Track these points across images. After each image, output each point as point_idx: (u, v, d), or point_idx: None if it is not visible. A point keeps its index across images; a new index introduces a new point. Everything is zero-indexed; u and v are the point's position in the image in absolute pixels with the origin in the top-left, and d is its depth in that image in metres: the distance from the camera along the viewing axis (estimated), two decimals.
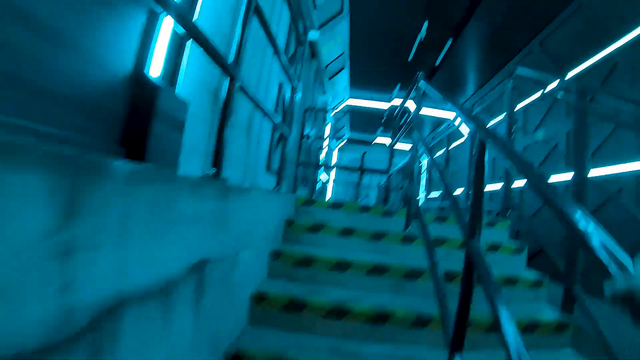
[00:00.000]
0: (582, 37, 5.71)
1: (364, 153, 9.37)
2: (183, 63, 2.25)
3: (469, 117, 1.75)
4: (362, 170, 8.91)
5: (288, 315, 1.95)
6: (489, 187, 6.88)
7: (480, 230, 1.39)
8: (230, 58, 1.63)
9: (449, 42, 7.89)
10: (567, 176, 6.51)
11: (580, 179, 2.41)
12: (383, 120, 14.04)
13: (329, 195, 13.04)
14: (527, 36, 7.12)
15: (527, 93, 8.06)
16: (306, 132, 6.61)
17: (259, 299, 1.96)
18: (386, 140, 17.56)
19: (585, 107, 2.56)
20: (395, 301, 2.12)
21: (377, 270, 2.32)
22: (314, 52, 6.45)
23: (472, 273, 1.33)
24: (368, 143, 18.73)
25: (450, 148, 8.32)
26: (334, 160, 17.55)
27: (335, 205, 3.14)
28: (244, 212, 1.72)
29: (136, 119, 1.70)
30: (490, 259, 1.28)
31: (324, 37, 6.82)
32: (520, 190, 6.56)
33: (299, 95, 5.32)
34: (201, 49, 1.33)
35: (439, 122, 13.30)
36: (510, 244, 2.84)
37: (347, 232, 2.77)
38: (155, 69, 1.86)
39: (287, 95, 3.95)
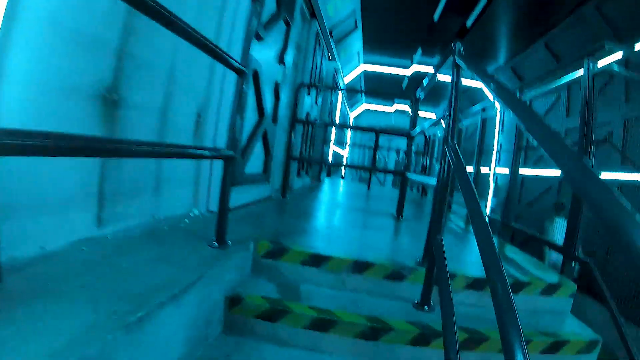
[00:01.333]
0: None
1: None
2: None
3: None
4: (377, 141, 7.74)
5: None
6: None
7: None
8: None
9: (483, 2, 6.41)
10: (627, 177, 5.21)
11: None
12: (404, 87, 12.61)
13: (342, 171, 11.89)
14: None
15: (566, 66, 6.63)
16: (306, 105, 5.42)
17: None
18: (406, 108, 16.12)
19: None
20: None
21: None
22: (313, 11, 5.13)
23: None
24: (386, 111, 17.32)
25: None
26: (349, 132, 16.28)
27: (316, 259, 2.03)
28: None
29: None
30: None
31: None
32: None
33: (288, 59, 4.11)
34: None
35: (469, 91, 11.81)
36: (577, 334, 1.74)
37: (323, 323, 1.67)
38: None
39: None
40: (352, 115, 16.72)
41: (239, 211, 3.04)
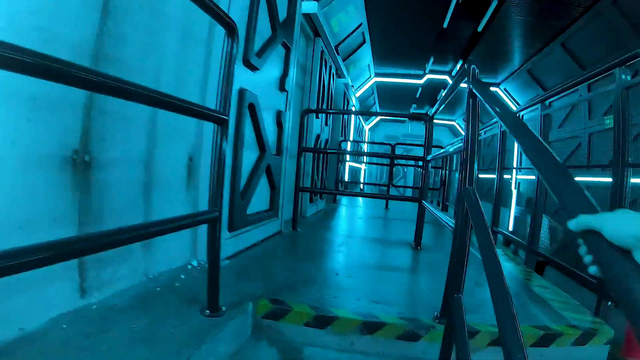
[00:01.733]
0: None
1: (394, 146, 7.93)
2: None
3: None
4: (392, 159, 7.49)
5: None
6: None
7: None
8: None
9: (494, 4, 6.15)
10: None
11: None
12: (418, 96, 12.35)
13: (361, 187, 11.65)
14: None
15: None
16: (315, 128, 5.25)
17: None
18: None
19: None
20: None
21: None
22: (316, 29, 4.99)
23: None
24: (401, 121, 17.05)
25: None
26: (366, 139, 16.05)
27: (321, 321, 1.82)
28: None
29: None
30: None
31: (330, 9, 5.32)
32: None
33: (291, 84, 3.95)
34: None
35: None
36: None
37: None
38: None
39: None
40: (368, 127, 16.50)
41: (243, 255, 2.87)
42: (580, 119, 7.37)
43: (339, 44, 6.08)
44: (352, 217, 5.93)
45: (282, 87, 3.58)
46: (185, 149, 2.37)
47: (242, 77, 2.72)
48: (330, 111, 5.75)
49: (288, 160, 3.98)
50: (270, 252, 3.08)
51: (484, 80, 10.40)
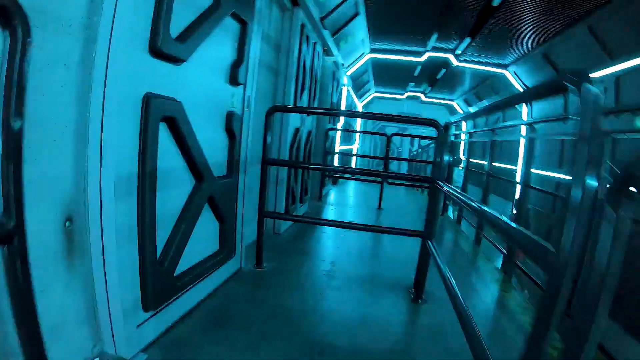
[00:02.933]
0: None
1: (389, 138, 6.94)
2: None
3: None
4: (387, 155, 6.51)
5: None
6: None
7: None
8: None
9: None
10: None
11: None
12: (416, 74, 11.23)
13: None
14: None
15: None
16: (291, 123, 4.25)
17: None
18: (418, 94, 14.73)
19: None
20: None
21: None
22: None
23: None
24: (398, 97, 15.94)
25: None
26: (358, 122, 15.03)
27: None
28: None
29: None
30: None
31: None
32: None
33: (251, 73, 2.88)
34: None
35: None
36: None
37: None
38: None
39: None
40: (361, 105, 15.39)
41: (171, 336, 1.93)
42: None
43: (327, 15, 4.96)
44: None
45: (234, 79, 2.54)
46: (59, 208, 1.37)
47: (150, 76, 1.70)
48: (307, 109, 4.62)
49: (250, 178, 3.01)
50: (215, 322, 2.13)
51: (489, 60, 9.26)
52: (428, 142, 17.95)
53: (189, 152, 2.04)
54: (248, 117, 2.85)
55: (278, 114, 3.74)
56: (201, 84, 2.18)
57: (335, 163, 8.51)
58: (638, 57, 5.28)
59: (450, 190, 2.23)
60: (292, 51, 4.00)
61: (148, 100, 1.65)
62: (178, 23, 1.85)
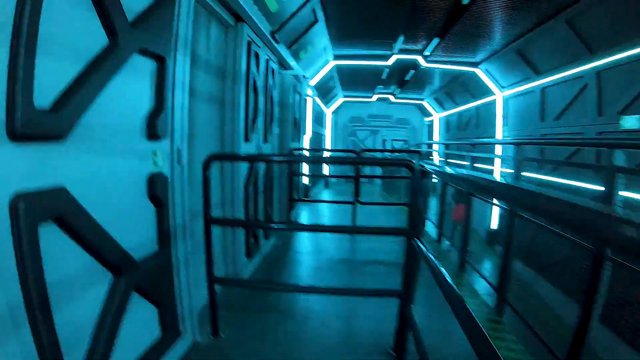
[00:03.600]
0: None
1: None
2: None
3: None
4: (357, 177, 5.97)
5: None
6: None
7: None
8: None
9: None
10: None
11: None
12: (384, 77, 10.78)
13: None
14: None
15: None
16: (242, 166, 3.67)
17: None
18: (387, 96, 14.32)
19: None
20: None
21: None
22: (236, 12, 3.29)
23: None
24: (367, 101, 15.50)
25: None
26: (328, 124, 14.54)
27: None
28: None
29: None
30: None
31: None
32: None
33: (177, 121, 2.23)
34: None
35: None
36: None
37: None
38: None
39: None
40: (330, 111, 14.88)
41: None
42: (584, 113, 6.09)
43: (280, 28, 4.39)
44: (310, 268, 4.40)
45: (153, 132, 1.95)
46: None
47: (17, 169, 1.20)
48: (254, 157, 3.81)
49: (199, 228, 2.44)
50: None
51: (460, 60, 8.88)
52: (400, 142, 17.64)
53: (94, 246, 1.47)
54: (181, 174, 2.27)
55: (210, 165, 3.15)
56: (102, 151, 1.59)
57: (306, 180, 7.96)
58: (621, 51, 4.93)
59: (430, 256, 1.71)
60: (238, 74, 3.41)
61: (16, 204, 1.10)
62: (52, 84, 1.28)
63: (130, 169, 1.84)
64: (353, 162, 7.17)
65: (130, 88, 1.79)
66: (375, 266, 4.32)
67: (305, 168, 8.36)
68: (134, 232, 1.85)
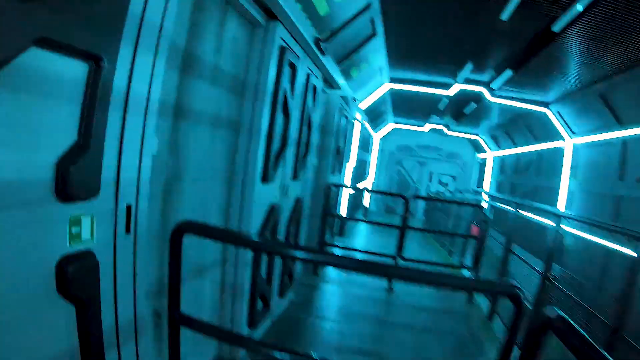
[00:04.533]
0: None
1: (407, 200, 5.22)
2: None
3: None
4: (404, 227, 4.89)
5: None
6: None
7: None
8: None
9: None
10: None
11: None
12: (442, 108, 9.71)
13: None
14: None
15: None
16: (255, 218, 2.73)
17: None
18: (440, 127, 13.15)
19: None
20: None
21: None
22: (268, 8, 2.39)
23: None
24: (418, 130, 14.39)
25: None
26: (375, 150, 13.53)
27: None
28: None
29: None
30: None
31: None
32: None
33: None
34: None
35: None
36: None
37: None
38: None
39: None
40: (378, 136, 13.88)
41: None
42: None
43: (330, 36, 3.49)
44: (335, 342, 3.38)
45: (70, 187, 1.04)
46: None
47: None
48: (222, 233, 2.80)
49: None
50: None
51: (529, 97, 7.59)
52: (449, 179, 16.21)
53: None
54: (132, 246, 1.35)
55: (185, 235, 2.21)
56: None
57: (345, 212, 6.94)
58: None
59: None
60: (262, 88, 2.50)
61: None
62: None
63: (24, 253, 0.94)
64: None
65: (23, 112, 0.91)
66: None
67: (345, 195, 7.41)
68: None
